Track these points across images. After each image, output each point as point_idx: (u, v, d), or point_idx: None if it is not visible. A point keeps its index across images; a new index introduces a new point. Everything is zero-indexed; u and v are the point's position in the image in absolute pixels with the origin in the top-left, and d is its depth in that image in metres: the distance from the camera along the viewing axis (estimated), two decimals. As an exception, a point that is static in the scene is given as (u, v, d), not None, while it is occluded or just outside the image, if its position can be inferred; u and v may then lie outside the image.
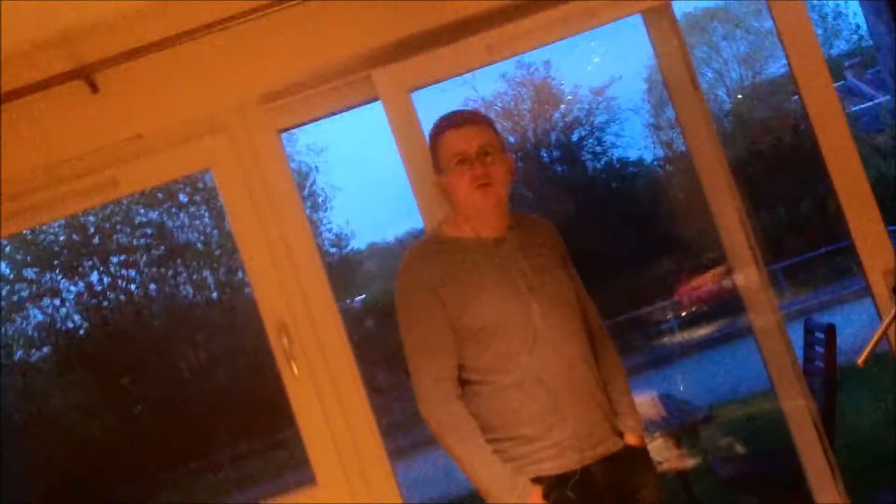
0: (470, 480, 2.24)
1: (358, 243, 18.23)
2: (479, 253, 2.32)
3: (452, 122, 2.35)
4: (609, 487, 2.30)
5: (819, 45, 2.89)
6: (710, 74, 19.73)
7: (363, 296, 16.35)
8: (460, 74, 3.00)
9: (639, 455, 2.41)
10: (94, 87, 2.81)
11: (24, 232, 14.44)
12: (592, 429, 2.29)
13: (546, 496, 2.21)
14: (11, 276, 15.40)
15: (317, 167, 17.20)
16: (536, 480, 2.21)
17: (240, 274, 16.01)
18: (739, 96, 18.95)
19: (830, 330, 3.88)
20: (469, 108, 2.38)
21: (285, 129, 2.99)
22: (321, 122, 3.07)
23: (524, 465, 2.23)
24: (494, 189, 2.30)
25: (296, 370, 2.88)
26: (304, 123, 3.03)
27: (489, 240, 2.34)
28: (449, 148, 2.31)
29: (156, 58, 2.78)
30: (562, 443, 2.24)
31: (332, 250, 17.33)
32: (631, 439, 2.39)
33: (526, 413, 2.24)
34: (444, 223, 2.43)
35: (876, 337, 2.69)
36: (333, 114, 3.03)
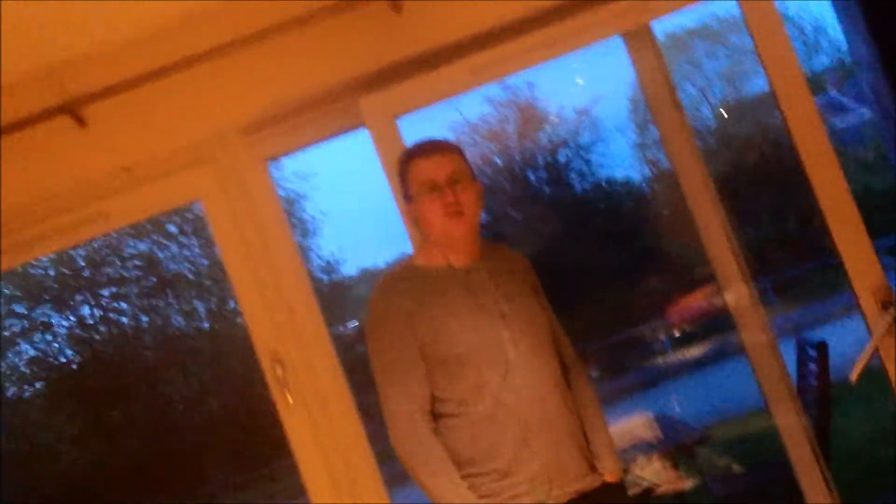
0: None
1: (348, 269, 18.23)
2: (451, 281, 2.28)
3: (421, 150, 2.32)
4: None
5: (797, 61, 2.90)
6: (692, 91, 19.84)
7: (355, 322, 16.33)
8: (445, 99, 3.01)
9: (615, 492, 2.35)
10: (80, 121, 2.82)
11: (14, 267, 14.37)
12: (568, 462, 2.24)
13: None
14: (2, 312, 15.33)
15: (305, 194, 17.21)
16: None
17: (231, 303, 15.97)
18: (723, 112, 19.06)
19: (822, 347, 3.90)
20: (442, 136, 2.35)
21: (272, 158, 3.00)
22: (308, 149, 3.08)
23: (499, 502, 2.17)
24: (466, 217, 2.27)
25: (290, 399, 2.87)
26: (291, 152, 3.04)
27: (460, 268, 2.30)
28: (418, 176, 2.28)
29: (141, 91, 2.79)
30: (536, 477, 2.19)
31: (323, 276, 17.31)
32: (609, 476, 2.33)
33: (499, 446, 2.19)
34: (414, 253, 2.40)
35: (867, 353, 2.70)
36: (320, 141, 3.04)
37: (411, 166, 2.31)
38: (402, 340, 2.22)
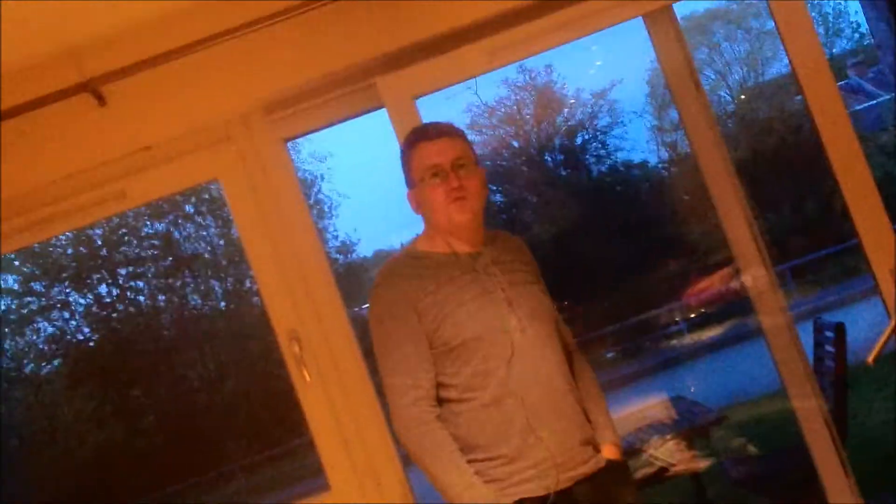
0: (449, 500, 2.14)
1: (364, 250, 18.28)
2: (456, 267, 2.25)
3: (424, 134, 2.29)
4: None
5: (820, 45, 2.88)
6: (712, 76, 19.73)
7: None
8: (464, 81, 3.01)
9: (618, 469, 2.35)
10: (101, 100, 2.83)
11: (32, 245, 14.50)
12: (573, 447, 2.23)
13: None
14: (20, 290, 15.46)
15: (322, 175, 17.26)
16: (519, 503, 2.15)
17: (247, 283, 16.06)
18: (742, 97, 18.94)
19: (840, 329, 3.87)
20: (459, 118, 2.32)
21: (291, 138, 3.00)
22: (325, 130, 3.08)
23: (505, 487, 2.15)
24: (469, 202, 2.24)
25: (308, 377, 2.88)
26: (310, 132, 3.05)
27: (465, 254, 2.28)
28: (422, 161, 2.25)
29: (162, 70, 2.80)
30: (543, 462, 2.18)
31: (338, 257, 17.36)
32: (610, 453, 2.33)
33: (505, 432, 2.17)
34: (418, 238, 2.36)
35: (885, 335, 2.70)
36: (338, 122, 3.04)
37: (414, 151, 2.28)
38: (407, 327, 2.19)
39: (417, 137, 2.30)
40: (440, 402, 2.20)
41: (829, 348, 4.04)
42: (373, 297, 2.27)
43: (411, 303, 2.19)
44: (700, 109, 2.94)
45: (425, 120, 2.85)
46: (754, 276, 2.99)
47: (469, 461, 2.16)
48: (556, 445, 2.19)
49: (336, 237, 17.63)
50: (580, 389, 2.35)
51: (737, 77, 19.66)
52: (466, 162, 2.26)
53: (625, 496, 2.35)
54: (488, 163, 16.43)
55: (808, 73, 2.84)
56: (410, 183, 2.31)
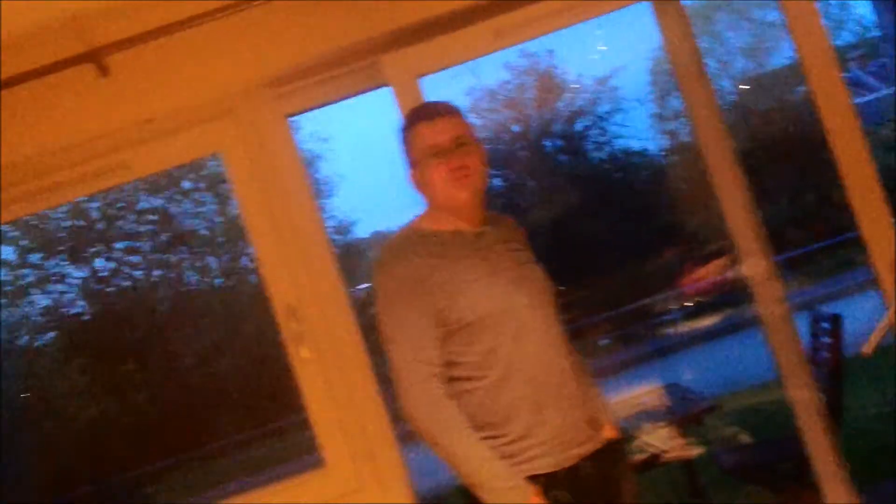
0: (464, 476, 2.17)
1: (361, 231, 18.26)
2: (462, 246, 2.26)
3: (424, 114, 2.29)
4: (595, 483, 2.28)
5: (827, 36, 2.87)
6: (714, 65, 19.66)
7: (367, 284, 16.36)
8: (469, 60, 3.00)
9: (617, 448, 2.39)
10: (104, 71, 2.82)
11: (28, 218, 14.47)
12: (577, 425, 2.26)
13: (540, 493, 2.15)
14: (17, 262, 15.44)
15: (321, 155, 17.21)
16: (529, 479, 2.16)
17: (243, 261, 16.05)
18: (743, 87, 18.90)
19: (836, 320, 3.89)
20: (460, 101, 2.32)
21: (293, 114, 3.00)
22: (325, 110, 3.07)
23: (515, 464, 2.17)
24: (472, 179, 2.24)
25: (305, 354, 2.89)
26: (313, 108, 3.04)
27: (470, 232, 2.28)
28: (422, 141, 2.25)
29: (166, 41, 2.79)
30: (550, 440, 2.20)
31: (336, 238, 17.35)
32: (609, 432, 2.36)
33: (515, 410, 2.19)
34: (419, 218, 2.35)
35: (882, 327, 2.70)
36: (341, 99, 3.04)
37: (414, 131, 2.27)
38: (416, 305, 2.18)
39: (417, 117, 2.29)
40: (448, 381, 2.19)
41: (824, 339, 4.05)
42: (380, 275, 2.25)
43: (420, 281, 2.18)
44: (704, 97, 2.94)
45: (433, 97, 2.85)
46: (753, 265, 2.99)
47: (481, 433, 2.16)
48: (562, 423, 2.22)
49: (334, 217, 17.61)
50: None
51: (738, 67, 19.61)
52: (467, 140, 2.26)
53: (624, 474, 2.39)
54: (488, 146, 16.31)
55: (815, 63, 2.83)
56: (411, 163, 2.31)
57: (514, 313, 2.21)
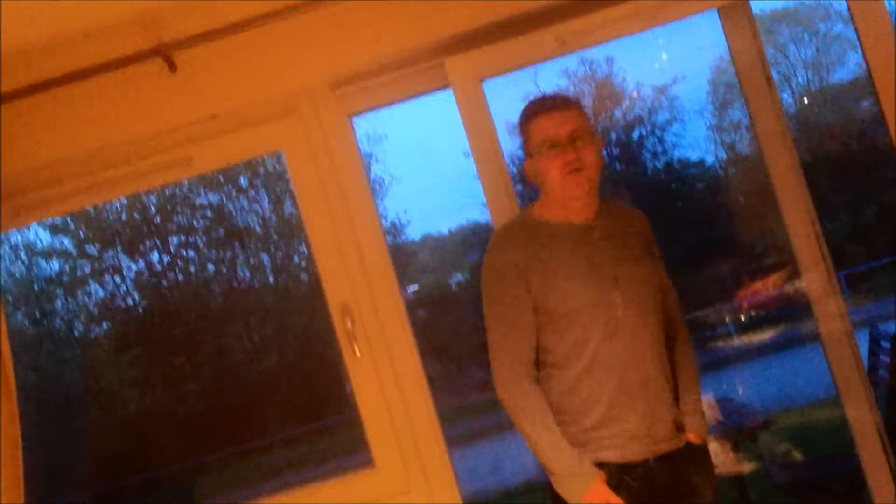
0: (539, 458, 2.28)
1: (412, 234, 18.30)
2: (569, 238, 2.32)
3: (543, 106, 2.34)
4: (668, 484, 2.32)
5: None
6: (775, 77, 19.40)
7: (416, 286, 16.41)
8: (531, 65, 2.99)
9: (699, 454, 2.41)
10: (172, 66, 2.86)
11: (88, 209, 14.73)
12: (657, 424, 2.30)
13: (607, 483, 2.24)
14: (75, 253, 15.73)
15: (375, 156, 17.30)
16: (599, 466, 2.25)
17: (296, 259, 16.18)
18: (806, 100, 18.64)
19: (897, 339, 3.82)
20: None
21: (356, 114, 3.01)
22: (380, 111, 3.08)
23: (587, 451, 2.26)
24: (586, 174, 2.29)
25: (358, 352, 2.90)
26: (375, 109, 3.04)
27: (579, 225, 2.34)
28: (540, 133, 2.31)
29: (233, 39, 2.82)
30: (625, 434, 2.27)
31: (387, 238, 17.37)
32: (692, 438, 2.39)
33: (593, 402, 2.26)
34: (534, 205, 2.42)
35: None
36: (403, 100, 3.04)
37: (533, 123, 2.33)
38: (514, 292, 2.28)
39: (535, 110, 2.35)
40: (538, 365, 2.31)
41: (884, 358, 3.98)
42: (486, 260, 2.36)
43: (521, 269, 2.27)
44: (771, 106, 2.89)
45: (491, 103, 2.86)
46: (814, 279, 2.94)
47: (557, 423, 2.26)
48: (638, 422, 2.28)
49: (386, 218, 17.68)
50: (676, 367, 2.42)
51: (801, 80, 19.35)
52: (583, 134, 2.31)
53: (703, 481, 2.40)
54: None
55: (884, 76, 2.78)
56: (527, 154, 2.37)
57: (605, 310, 2.27)
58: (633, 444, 2.27)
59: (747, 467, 4.92)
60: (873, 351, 4.13)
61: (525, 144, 2.37)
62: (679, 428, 2.37)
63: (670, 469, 2.32)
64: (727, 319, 14.41)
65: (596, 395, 2.26)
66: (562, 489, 2.25)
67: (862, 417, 2.90)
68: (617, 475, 2.25)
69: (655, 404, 2.30)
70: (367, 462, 2.94)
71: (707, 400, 5.23)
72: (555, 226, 2.34)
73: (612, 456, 2.26)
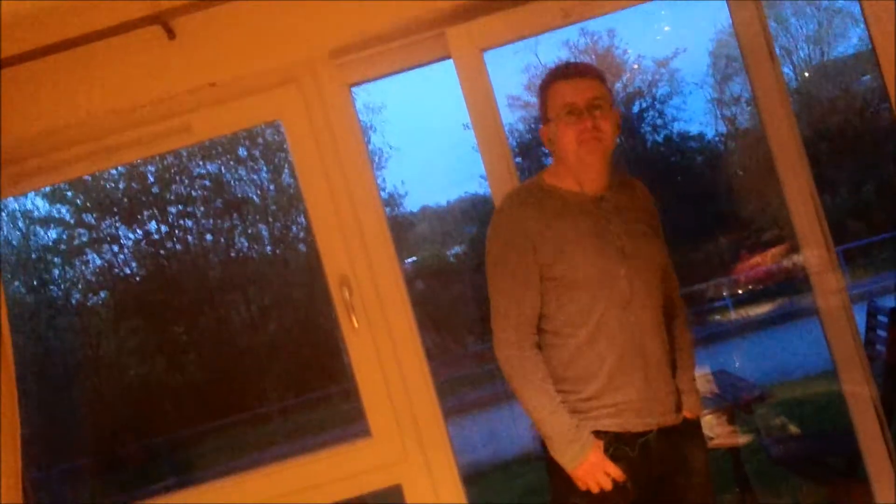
0: (536, 424, 2.28)
1: (410, 205, 18.26)
2: (579, 207, 2.32)
3: (564, 72, 2.33)
4: (663, 457, 2.34)
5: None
6: (777, 51, 19.31)
7: (414, 258, 16.41)
8: (534, 35, 2.97)
9: (694, 429, 2.44)
10: (170, 34, 2.83)
11: (86, 178, 14.68)
12: (656, 398, 2.32)
13: (605, 451, 2.25)
14: (73, 222, 15.69)
15: (373, 126, 17.22)
16: (597, 434, 2.26)
17: (294, 229, 16.16)
18: (807, 74, 18.56)
19: (895, 313, 3.81)
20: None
21: (356, 84, 2.99)
22: (380, 81, 3.06)
23: (587, 420, 2.27)
24: (602, 143, 2.29)
25: (356, 323, 2.90)
26: (375, 79, 3.03)
27: (590, 195, 2.34)
28: (559, 99, 2.30)
29: (233, 7, 2.80)
30: (624, 405, 2.27)
31: (385, 210, 17.34)
32: (688, 414, 2.41)
33: (594, 372, 2.27)
34: (545, 171, 2.42)
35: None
36: (403, 70, 3.02)
37: (552, 88, 2.32)
38: (521, 255, 2.27)
39: (556, 75, 2.34)
40: (539, 331, 2.31)
41: (881, 333, 3.99)
42: (494, 222, 2.35)
43: (530, 233, 2.27)
44: (773, 80, 2.88)
45: (491, 75, 2.84)
46: (813, 254, 2.94)
47: (556, 390, 2.27)
48: (637, 394, 2.28)
49: (384, 189, 17.64)
50: (674, 347, 2.43)
51: (802, 54, 19.25)
52: (602, 103, 2.30)
53: (697, 456, 2.42)
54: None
55: (887, 49, 2.76)
56: (544, 119, 2.36)
57: (611, 282, 2.27)
58: (632, 416, 2.28)
59: (743, 440, 4.93)
60: (871, 326, 4.13)
61: (542, 109, 2.36)
62: (677, 404, 2.38)
63: (667, 443, 2.33)
64: (725, 293, 14.42)
65: (596, 366, 2.27)
66: (558, 455, 2.26)
67: (858, 392, 2.91)
68: (614, 444, 2.26)
69: (655, 378, 2.31)
70: (364, 432, 2.95)
71: (704, 373, 5.24)
72: (565, 193, 2.33)
73: (610, 425, 2.27)
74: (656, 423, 2.31)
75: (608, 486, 2.22)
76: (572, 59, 17.31)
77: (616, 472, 2.23)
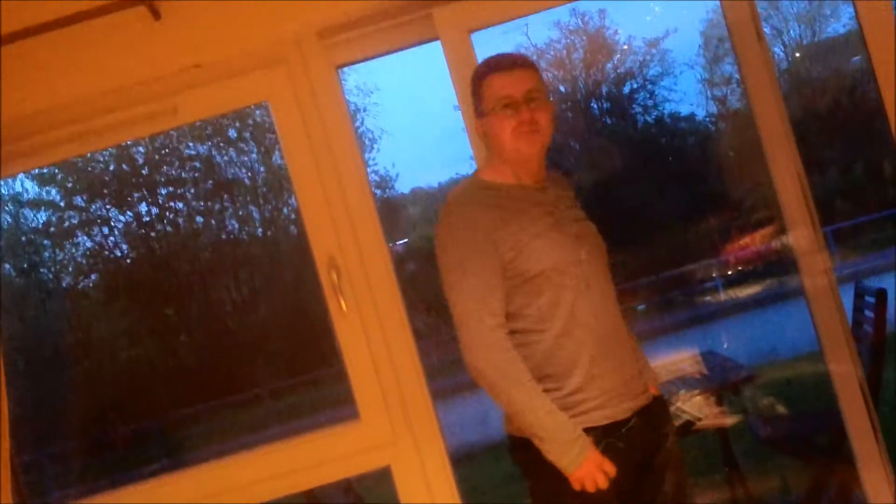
0: (527, 427, 2.18)
1: (402, 187, 18.27)
2: (526, 199, 2.28)
3: (499, 65, 2.29)
4: (644, 439, 2.32)
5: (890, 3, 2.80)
6: (768, 31, 19.29)
7: (405, 240, 16.42)
8: (523, 16, 2.96)
9: (662, 405, 2.44)
10: (156, 15, 2.81)
11: (75, 160, 14.62)
12: (632, 380, 2.31)
13: (596, 446, 2.19)
14: (62, 204, 15.65)
15: (365, 108, 17.19)
16: (586, 431, 2.19)
17: (285, 211, 16.14)
18: (798, 55, 18.55)
19: (881, 295, 3.83)
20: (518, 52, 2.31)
21: (343, 65, 2.97)
22: (369, 63, 3.05)
23: (574, 416, 2.20)
24: (540, 136, 2.26)
25: (344, 306, 2.89)
26: (363, 60, 3.01)
27: (531, 187, 2.31)
28: (495, 91, 2.25)
29: (218, -13, 2.78)
30: (608, 392, 2.24)
31: (376, 192, 17.33)
32: (653, 390, 2.41)
33: (575, 362, 2.22)
34: (482, 169, 2.38)
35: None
36: (391, 52, 3.00)
37: (487, 81, 2.28)
38: (484, 255, 2.19)
39: (490, 67, 2.29)
40: (510, 333, 2.21)
41: (868, 313, 3.99)
42: (446, 225, 2.27)
43: (488, 232, 2.20)
44: (761, 61, 2.87)
45: (479, 55, 2.82)
46: (800, 235, 2.94)
47: (541, 386, 2.20)
48: (618, 377, 2.26)
49: (375, 172, 17.62)
50: None
51: (793, 34, 19.24)
52: (538, 95, 2.26)
53: (669, 430, 2.43)
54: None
55: (875, 30, 2.76)
56: (480, 112, 2.31)
57: (576, 268, 2.24)
58: (616, 403, 2.25)
59: (731, 421, 4.96)
60: (858, 306, 4.14)
61: (478, 103, 2.31)
62: (645, 384, 2.37)
63: (647, 424, 2.32)
64: (714, 274, 14.47)
65: (576, 355, 2.22)
66: (556, 457, 2.15)
67: (845, 372, 2.93)
68: (604, 439, 2.21)
69: (627, 360, 2.31)
70: (354, 414, 2.95)
71: (692, 354, 5.26)
72: (508, 188, 2.29)
73: (599, 418, 2.22)
74: (636, 406, 2.29)
75: (605, 484, 2.14)
76: (564, 40, 17.39)
77: (611, 468, 2.16)
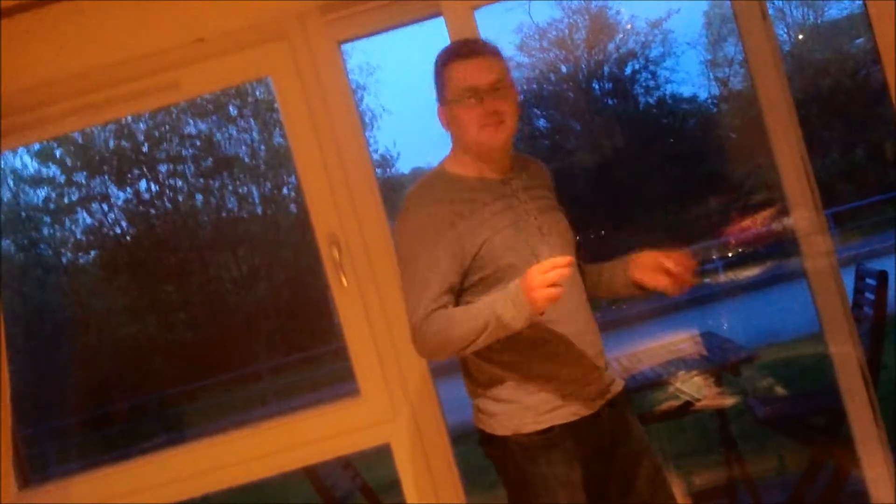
0: (482, 334, 2.08)
1: (402, 166, 18.23)
2: (488, 192, 2.22)
3: (463, 52, 2.22)
4: (613, 427, 2.31)
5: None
6: (770, 11, 19.21)
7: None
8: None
9: (627, 397, 2.41)
10: (158, -12, 2.80)
11: (75, 136, 14.60)
12: (599, 372, 2.29)
13: (562, 443, 2.20)
14: (62, 180, 15.63)
15: (366, 87, 17.14)
16: (562, 428, 2.20)
17: (285, 190, 16.13)
18: (801, 37, 18.48)
19: (882, 276, 3.83)
20: (509, 38, 2.26)
21: (346, 41, 2.96)
22: (371, 41, 3.03)
23: (543, 412, 2.19)
24: (505, 126, 2.19)
25: (345, 282, 2.89)
26: (365, 36, 3.00)
27: (495, 180, 2.25)
28: (459, 80, 2.17)
29: (221, -39, 2.76)
30: (574, 383, 2.23)
31: (377, 171, 17.29)
32: (619, 381, 2.40)
33: (544, 355, 2.20)
34: (445, 161, 2.31)
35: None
36: (394, 27, 2.99)
37: (451, 68, 2.20)
38: (443, 247, 2.15)
39: (453, 55, 2.23)
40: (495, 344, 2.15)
41: (869, 295, 4.00)
42: (406, 218, 2.23)
43: (447, 226, 2.15)
44: (766, 41, 2.86)
45: (482, 31, 2.80)
46: (802, 217, 2.94)
47: (509, 388, 2.20)
48: (591, 370, 2.25)
49: (376, 150, 17.59)
50: None
51: (796, 16, 19.15)
52: (503, 85, 2.19)
53: (635, 422, 2.40)
54: (534, 86, 16.27)
55: (880, 11, 2.74)
56: (443, 101, 2.25)
57: (537, 261, 2.13)
58: (586, 396, 2.23)
59: (729, 402, 4.97)
60: (858, 288, 4.14)
61: (440, 90, 2.23)
62: (610, 374, 2.36)
63: (616, 414, 2.31)
64: (715, 256, 14.47)
65: (544, 350, 2.20)
66: (512, 319, 2.04)
67: (845, 353, 2.93)
68: (572, 435, 2.20)
69: (595, 353, 2.28)
70: (355, 391, 2.96)
71: (691, 335, 5.26)
72: (470, 181, 2.23)
73: (564, 414, 2.21)
74: (605, 399, 2.28)
75: (558, 294, 1.99)
76: (566, 20, 17.31)
77: (553, 286, 1.99)
